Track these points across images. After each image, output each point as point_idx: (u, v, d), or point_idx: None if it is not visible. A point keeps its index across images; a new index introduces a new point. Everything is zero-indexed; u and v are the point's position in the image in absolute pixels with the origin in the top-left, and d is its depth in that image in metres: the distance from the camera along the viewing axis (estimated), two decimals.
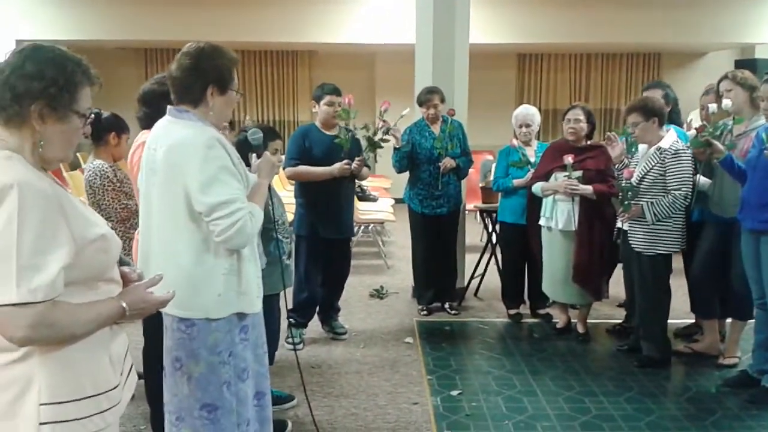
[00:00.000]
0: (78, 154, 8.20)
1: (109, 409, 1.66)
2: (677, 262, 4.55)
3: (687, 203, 4.05)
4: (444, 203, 5.14)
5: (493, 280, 5.72)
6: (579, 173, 4.45)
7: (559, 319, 4.97)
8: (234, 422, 2.48)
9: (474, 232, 7.06)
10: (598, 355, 4.56)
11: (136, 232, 3.03)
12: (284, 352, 4.24)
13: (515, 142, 5.08)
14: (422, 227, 5.22)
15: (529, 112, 5.13)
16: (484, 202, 5.93)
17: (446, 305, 5.37)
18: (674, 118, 4.80)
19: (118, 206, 3.72)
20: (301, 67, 10.89)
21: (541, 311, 5.24)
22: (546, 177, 4.64)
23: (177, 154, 2.32)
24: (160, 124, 2.46)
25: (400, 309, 5.50)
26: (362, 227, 7.32)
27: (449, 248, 5.32)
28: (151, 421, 3.30)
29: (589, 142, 4.69)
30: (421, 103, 5.14)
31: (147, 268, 2.29)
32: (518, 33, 9.38)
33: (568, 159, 4.41)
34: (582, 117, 4.59)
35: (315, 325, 4.81)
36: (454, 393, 3.90)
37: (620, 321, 4.97)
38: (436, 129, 5.11)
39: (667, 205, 4.00)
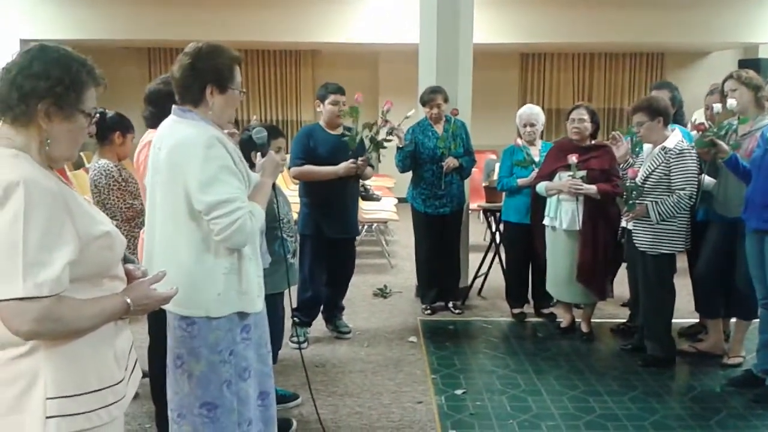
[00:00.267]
0: (82, 154, 8.22)
1: (114, 403, 1.69)
2: (681, 262, 4.55)
3: (691, 203, 4.04)
4: (447, 203, 5.13)
5: (496, 279, 5.73)
6: (583, 173, 4.45)
7: (563, 319, 4.96)
8: (234, 421, 2.48)
9: (477, 232, 7.05)
10: (603, 354, 4.56)
11: (141, 232, 3.04)
12: (288, 351, 4.24)
13: (519, 141, 5.07)
14: (425, 227, 5.22)
15: (534, 111, 5.12)
16: (487, 202, 5.93)
17: (450, 304, 5.37)
18: (678, 120, 4.80)
19: (123, 206, 3.72)
20: (304, 66, 10.91)
21: (545, 311, 5.24)
22: (550, 176, 4.64)
23: (178, 153, 2.34)
24: (165, 123, 2.48)
25: (403, 308, 5.50)
26: (365, 227, 7.32)
27: (452, 248, 5.32)
28: (156, 419, 3.31)
29: (593, 142, 4.68)
30: (424, 103, 5.14)
31: (150, 266, 2.31)
32: (521, 33, 9.39)
33: (573, 159, 4.41)
34: (586, 117, 4.59)
35: (319, 324, 4.82)
36: (459, 392, 3.90)
37: (624, 320, 4.97)
38: (439, 128, 5.11)
39: (672, 204, 3.99)
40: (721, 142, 3.87)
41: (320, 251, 4.54)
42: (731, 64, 9.67)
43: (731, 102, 3.97)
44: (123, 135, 3.86)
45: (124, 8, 8.91)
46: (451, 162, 5.02)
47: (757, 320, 3.96)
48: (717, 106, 4.05)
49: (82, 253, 1.59)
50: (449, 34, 5.45)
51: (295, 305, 4.43)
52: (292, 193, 6.43)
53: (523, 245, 5.07)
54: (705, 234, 4.25)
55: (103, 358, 1.68)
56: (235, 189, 2.33)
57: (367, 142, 4.60)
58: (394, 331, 4.94)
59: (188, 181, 2.30)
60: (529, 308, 5.30)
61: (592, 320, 4.84)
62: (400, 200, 7.24)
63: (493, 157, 8.45)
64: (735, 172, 3.89)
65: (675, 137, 4.11)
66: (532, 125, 5.06)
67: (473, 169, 5.44)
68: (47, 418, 1.56)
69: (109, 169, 3.73)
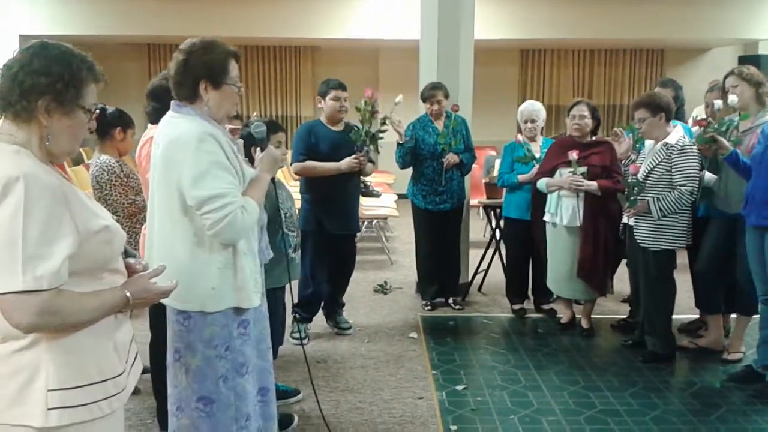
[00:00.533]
0: (81, 150, 8.22)
1: (116, 395, 1.71)
2: (681, 258, 4.55)
3: (693, 199, 4.04)
4: (447, 199, 5.13)
5: (497, 275, 5.73)
6: (584, 169, 4.45)
7: (563, 315, 4.97)
8: (231, 417, 2.49)
9: (477, 228, 7.05)
10: (603, 350, 4.56)
11: (143, 227, 3.04)
12: (289, 347, 4.25)
13: (520, 137, 5.07)
14: (426, 223, 5.22)
15: (535, 107, 5.12)
16: (488, 198, 5.93)
17: (450, 300, 5.37)
18: (679, 117, 4.81)
19: (126, 201, 3.72)
20: (304, 63, 10.88)
21: (545, 306, 5.25)
22: (551, 173, 4.64)
23: (171, 149, 2.36)
24: (164, 119, 2.49)
25: (404, 304, 5.50)
26: (365, 223, 7.32)
27: (453, 244, 5.32)
28: (157, 414, 3.32)
29: (593, 138, 4.68)
30: (424, 99, 5.14)
31: (150, 261, 2.33)
32: (521, 29, 9.37)
33: (573, 155, 4.41)
34: (587, 113, 4.59)
35: (320, 320, 4.82)
36: (459, 388, 3.90)
37: (624, 316, 4.98)
38: (439, 125, 5.11)
39: (673, 200, 4.00)
40: (721, 139, 3.87)
41: (321, 247, 4.54)
42: (731, 61, 9.67)
43: (732, 98, 3.97)
44: (123, 131, 3.86)
45: (123, 4, 8.89)
46: (451, 158, 5.02)
47: (757, 316, 3.97)
48: (718, 103, 4.06)
49: (82, 247, 1.61)
50: (450, 31, 5.44)
51: (296, 301, 4.44)
52: (293, 189, 6.42)
53: (523, 241, 5.07)
54: (705, 230, 4.25)
55: (103, 350, 1.70)
56: (226, 184, 2.33)
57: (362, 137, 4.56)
58: (395, 327, 4.95)
59: (181, 177, 2.32)
60: (529, 304, 5.30)
61: (592, 316, 4.85)
62: (400, 196, 7.23)
63: (493, 153, 8.45)
64: (735, 169, 3.89)
65: (677, 133, 4.11)
66: (533, 121, 5.06)
67: (473, 166, 5.44)
68: (49, 409, 1.58)
69: (110, 165, 3.73)
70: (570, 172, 4.47)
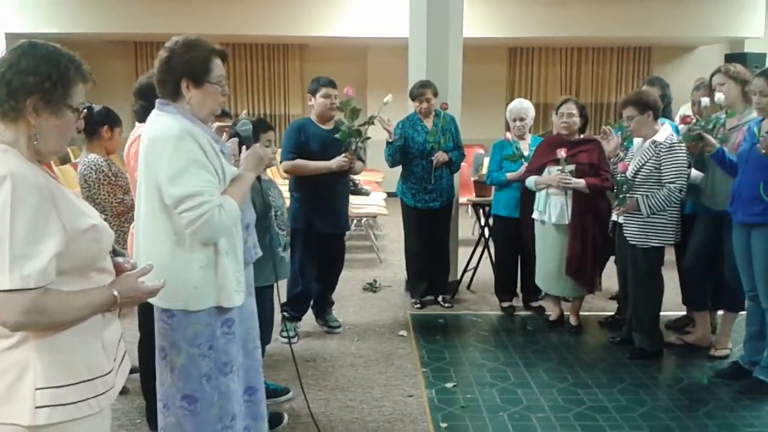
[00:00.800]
0: (69, 149, 8.16)
1: (104, 393, 1.71)
2: (669, 255, 4.57)
3: (682, 196, 4.07)
4: (437, 197, 5.14)
5: (485, 273, 5.75)
6: (572, 167, 4.47)
7: (551, 312, 4.99)
8: (215, 415, 2.49)
9: (466, 226, 7.07)
10: (591, 347, 4.59)
11: (131, 226, 3.03)
12: (278, 346, 4.24)
13: (509, 135, 5.08)
14: (415, 221, 5.23)
15: (524, 106, 5.13)
16: (476, 196, 5.94)
17: (439, 298, 5.38)
18: (666, 115, 4.84)
19: (114, 200, 3.69)
20: (292, 61, 10.85)
21: (534, 304, 5.27)
22: (539, 171, 4.65)
23: (152, 146, 2.36)
24: (150, 117, 2.48)
25: (393, 302, 5.51)
26: (354, 221, 7.31)
27: (442, 242, 5.33)
28: (146, 413, 3.31)
29: (581, 136, 4.70)
30: (413, 97, 5.14)
31: (137, 260, 2.31)
32: (509, 27, 9.40)
33: (561, 153, 4.42)
34: (575, 111, 4.61)
35: (309, 319, 4.82)
36: (449, 385, 3.91)
37: (612, 313, 5.01)
38: (428, 123, 5.11)
39: (662, 198, 4.02)
40: (708, 136, 3.90)
41: (311, 246, 4.53)
42: (717, 59, 9.73)
43: (719, 96, 4.00)
44: (111, 129, 3.83)
45: (110, 2, 8.84)
46: (440, 156, 5.02)
47: (744, 312, 4.00)
48: (705, 101, 4.08)
49: (69, 245, 1.61)
50: (439, 28, 5.44)
51: (284, 300, 4.43)
52: (281, 188, 6.40)
53: (512, 239, 5.09)
54: (693, 227, 4.28)
55: (91, 349, 1.70)
56: (203, 182, 2.31)
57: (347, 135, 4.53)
58: (384, 325, 4.95)
59: (159, 175, 2.31)
60: (518, 302, 5.32)
61: (580, 313, 4.87)
62: (389, 194, 7.24)
63: (482, 151, 8.46)
64: (722, 166, 3.91)
65: (665, 131, 4.13)
66: (522, 119, 5.07)
67: (462, 164, 5.45)
68: (37, 407, 1.58)
69: (99, 164, 3.70)
70: (558, 170, 4.49)
